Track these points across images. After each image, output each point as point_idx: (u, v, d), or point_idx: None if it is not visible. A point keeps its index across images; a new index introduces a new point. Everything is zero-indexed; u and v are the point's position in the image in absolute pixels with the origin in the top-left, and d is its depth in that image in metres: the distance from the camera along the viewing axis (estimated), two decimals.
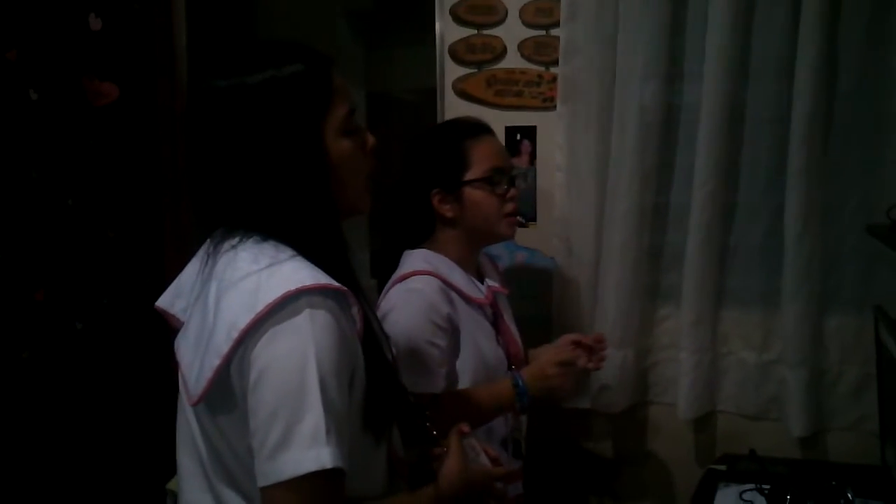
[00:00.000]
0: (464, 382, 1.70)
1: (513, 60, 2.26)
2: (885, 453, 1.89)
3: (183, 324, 1.23)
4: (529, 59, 2.25)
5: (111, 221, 2.51)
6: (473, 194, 1.76)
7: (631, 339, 2.19)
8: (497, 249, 2.25)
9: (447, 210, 1.76)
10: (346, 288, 1.11)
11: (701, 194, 2.07)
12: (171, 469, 1.39)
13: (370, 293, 1.56)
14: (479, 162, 1.76)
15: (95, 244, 2.49)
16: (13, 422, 2.34)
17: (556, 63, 2.22)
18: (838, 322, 2.08)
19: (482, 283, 1.82)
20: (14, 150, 2.35)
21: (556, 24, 2.20)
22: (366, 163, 1.24)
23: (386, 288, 1.73)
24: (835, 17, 1.95)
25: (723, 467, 2.03)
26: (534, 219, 2.30)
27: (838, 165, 2.03)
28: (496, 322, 1.82)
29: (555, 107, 2.23)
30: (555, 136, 2.24)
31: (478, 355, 1.73)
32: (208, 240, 1.21)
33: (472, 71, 2.30)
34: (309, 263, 1.12)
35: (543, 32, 2.23)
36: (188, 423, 1.19)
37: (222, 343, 1.07)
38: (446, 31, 2.30)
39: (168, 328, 1.27)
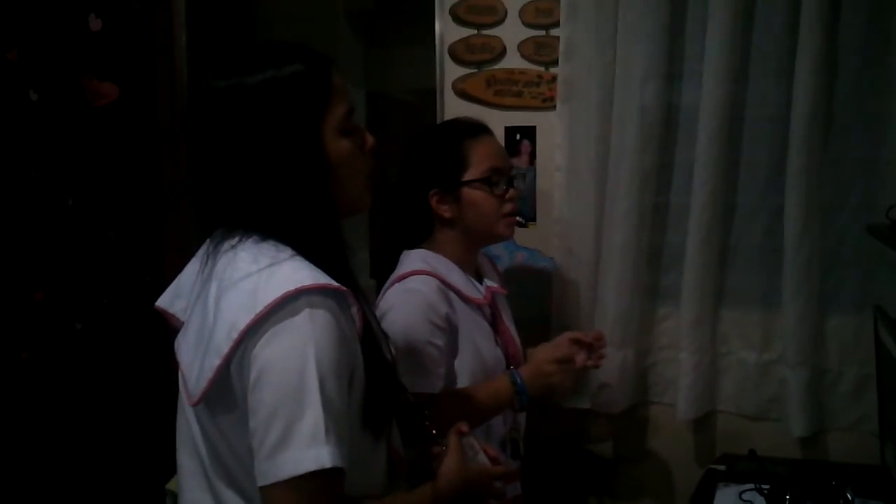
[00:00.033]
0: (462, 382, 1.70)
1: (512, 60, 2.26)
2: (885, 453, 1.89)
3: (183, 324, 1.23)
4: (529, 60, 2.25)
5: (111, 221, 2.51)
6: (472, 195, 1.76)
7: (631, 339, 2.19)
8: (496, 249, 2.25)
9: (445, 210, 1.76)
10: (345, 288, 1.11)
11: (701, 194, 2.07)
12: (170, 469, 1.39)
13: (369, 293, 1.56)
14: (478, 162, 1.76)
15: (95, 244, 2.50)
16: (13, 422, 2.34)
17: (555, 63, 2.22)
18: (838, 322, 2.08)
19: (481, 283, 1.82)
20: (14, 150, 2.35)
21: (556, 25, 2.20)
22: (365, 162, 1.24)
23: (384, 288, 1.73)
24: (834, 17, 1.95)
25: (722, 467, 2.03)
26: (533, 219, 2.30)
27: (838, 165, 2.03)
28: (495, 322, 1.82)
29: (554, 107, 2.23)
30: (554, 136, 2.24)
31: (476, 355, 1.73)
32: (208, 240, 1.21)
33: (471, 71, 2.30)
34: (308, 263, 1.12)
35: (543, 32, 2.23)
36: (188, 423, 1.19)
37: (222, 343, 1.08)
38: (446, 31, 2.30)
39: (168, 328, 1.27)
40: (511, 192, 1.80)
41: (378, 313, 1.63)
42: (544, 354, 1.75)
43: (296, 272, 1.09)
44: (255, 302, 1.07)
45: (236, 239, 1.16)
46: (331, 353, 1.07)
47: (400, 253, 1.78)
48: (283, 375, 1.05)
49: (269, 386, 1.05)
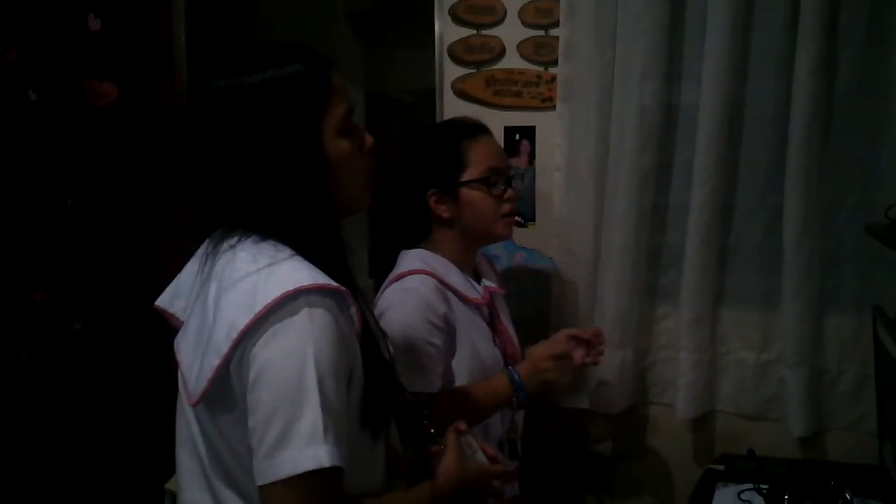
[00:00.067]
0: (460, 382, 1.70)
1: (512, 61, 2.26)
2: (883, 453, 1.89)
3: (182, 323, 1.23)
4: (528, 60, 2.25)
5: (110, 221, 2.51)
6: (470, 195, 1.76)
7: (630, 338, 2.19)
8: (496, 249, 2.26)
9: (444, 210, 1.76)
10: (344, 288, 1.12)
11: (700, 194, 2.08)
12: (169, 469, 1.40)
13: (368, 293, 1.57)
14: (476, 162, 1.76)
15: (94, 244, 2.50)
16: (12, 422, 2.34)
17: (554, 63, 2.22)
18: (837, 322, 2.08)
19: (479, 283, 1.82)
20: (13, 150, 2.35)
21: (555, 25, 2.20)
22: (364, 162, 1.25)
23: (382, 287, 1.73)
24: (834, 17, 1.95)
25: (721, 467, 2.03)
26: (532, 219, 2.31)
27: (837, 165, 2.03)
28: (493, 322, 1.82)
29: (554, 107, 2.23)
30: (554, 136, 2.24)
31: (474, 355, 1.73)
32: (207, 239, 1.21)
33: (471, 71, 2.30)
34: (307, 263, 1.12)
35: (542, 33, 2.23)
36: (187, 423, 1.20)
37: (222, 343, 1.08)
38: (445, 31, 2.30)
39: (167, 328, 1.27)
40: (509, 192, 1.80)
41: (376, 312, 1.63)
42: (541, 351, 1.75)
43: (295, 272, 1.10)
44: (254, 302, 1.07)
45: (235, 239, 1.16)
46: (329, 352, 1.07)
47: (398, 253, 1.78)
48: (282, 375, 1.05)
49: (268, 385, 1.05)
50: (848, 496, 1.70)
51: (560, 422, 2.32)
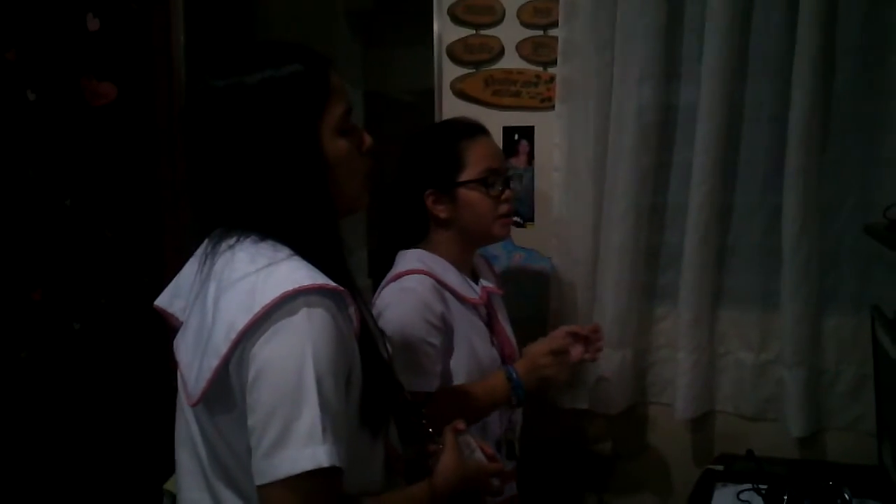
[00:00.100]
0: (458, 382, 1.71)
1: (511, 61, 2.26)
2: (882, 453, 1.89)
3: (181, 323, 1.23)
4: (527, 60, 2.25)
5: (109, 221, 2.51)
6: (468, 195, 1.76)
7: (629, 338, 2.19)
8: (495, 250, 2.26)
9: (441, 211, 1.76)
10: (342, 288, 1.12)
11: (699, 194, 2.08)
12: (168, 469, 1.40)
13: (366, 292, 1.57)
14: (474, 163, 1.76)
15: (93, 244, 2.50)
16: (11, 422, 2.34)
17: (553, 63, 2.22)
18: (836, 322, 2.08)
19: (477, 283, 1.82)
20: (12, 150, 2.35)
21: (554, 25, 2.20)
22: (363, 162, 1.25)
23: (380, 287, 1.73)
24: (832, 17, 1.95)
25: (720, 467, 2.03)
26: (531, 219, 2.31)
27: (836, 165, 2.03)
28: (490, 322, 1.82)
29: (552, 107, 2.23)
30: (552, 136, 2.24)
31: (472, 355, 1.73)
32: (206, 239, 1.21)
33: (469, 71, 2.30)
34: (306, 263, 1.12)
35: (541, 33, 2.23)
36: (187, 423, 1.20)
37: (221, 343, 1.08)
38: (444, 31, 2.30)
39: (167, 328, 1.27)
40: (507, 192, 1.80)
41: (374, 312, 1.63)
42: (538, 348, 1.75)
43: (293, 272, 1.10)
44: (252, 302, 1.07)
45: (234, 239, 1.16)
46: (328, 352, 1.07)
47: (396, 253, 1.78)
48: (281, 375, 1.05)
49: (267, 385, 1.05)
50: (847, 496, 1.70)
51: (559, 422, 2.32)
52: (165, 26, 2.54)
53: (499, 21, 2.26)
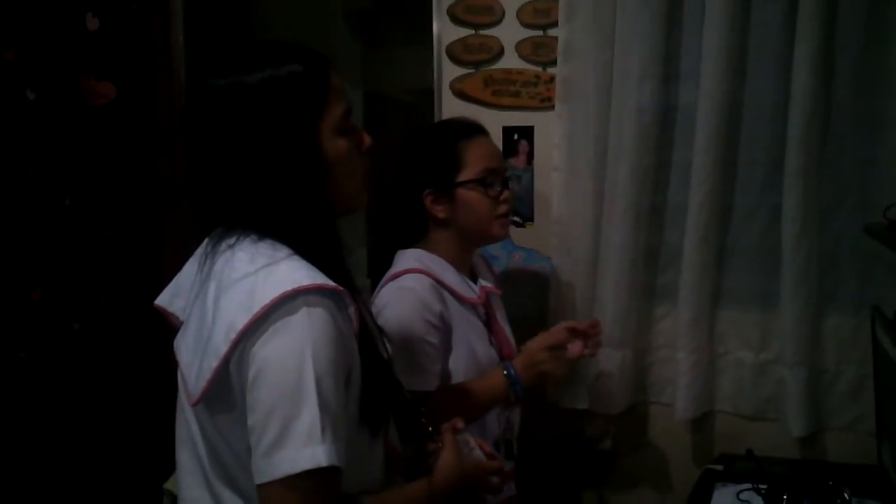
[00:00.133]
0: (456, 381, 1.70)
1: (510, 61, 2.26)
2: (882, 453, 1.89)
3: (181, 322, 1.24)
4: (527, 60, 2.25)
5: (109, 221, 2.51)
6: (466, 195, 1.76)
7: (628, 338, 2.19)
8: (494, 250, 2.26)
9: (440, 211, 1.76)
10: (342, 288, 1.12)
11: (698, 194, 2.08)
12: (168, 469, 1.39)
13: (366, 292, 1.56)
14: (473, 163, 1.76)
15: (93, 244, 2.50)
16: (10, 422, 2.34)
17: (553, 63, 2.22)
18: (836, 322, 2.08)
19: (475, 283, 1.82)
20: (11, 149, 2.35)
21: (554, 25, 2.20)
22: (362, 162, 1.25)
23: (378, 287, 1.73)
24: (831, 17, 1.96)
25: (720, 467, 2.03)
26: (531, 219, 2.31)
27: (836, 165, 2.03)
28: (489, 322, 1.82)
29: (552, 107, 2.23)
30: (552, 136, 2.24)
31: (470, 355, 1.73)
32: (206, 239, 1.22)
33: (469, 71, 2.30)
34: (305, 263, 1.12)
35: (541, 33, 2.23)
36: (187, 423, 1.20)
37: (221, 343, 1.08)
38: (443, 31, 2.30)
39: (167, 327, 1.27)
40: (505, 193, 1.80)
41: (373, 311, 1.63)
42: (535, 344, 1.74)
43: (293, 272, 1.10)
44: (252, 302, 1.07)
45: (234, 238, 1.16)
46: (328, 352, 1.07)
47: (395, 252, 1.78)
48: (280, 375, 1.05)
49: (267, 385, 1.06)
50: (846, 496, 1.71)
51: (558, 422, 2.32)
52: (165, 26, 2.54)
53: (498, 21, 2.26)
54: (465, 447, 1.33)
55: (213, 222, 1.21)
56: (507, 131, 2.28)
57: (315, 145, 1.16)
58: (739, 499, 1.83)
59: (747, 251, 2.14)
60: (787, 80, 2.00)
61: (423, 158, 1.79)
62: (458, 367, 1.71)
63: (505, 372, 1.70)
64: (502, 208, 1.79)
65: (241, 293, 1.09)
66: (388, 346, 1.31)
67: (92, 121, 2.47)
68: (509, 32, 2.25)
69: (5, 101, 2.33)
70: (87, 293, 2.49)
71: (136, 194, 2.54)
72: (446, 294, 1.72)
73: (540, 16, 2.22)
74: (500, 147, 2.20)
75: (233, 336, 1.07)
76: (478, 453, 1.35)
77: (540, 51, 2.24)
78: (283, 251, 1.13)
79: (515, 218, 2.27)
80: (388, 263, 1.77)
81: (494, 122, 2.19)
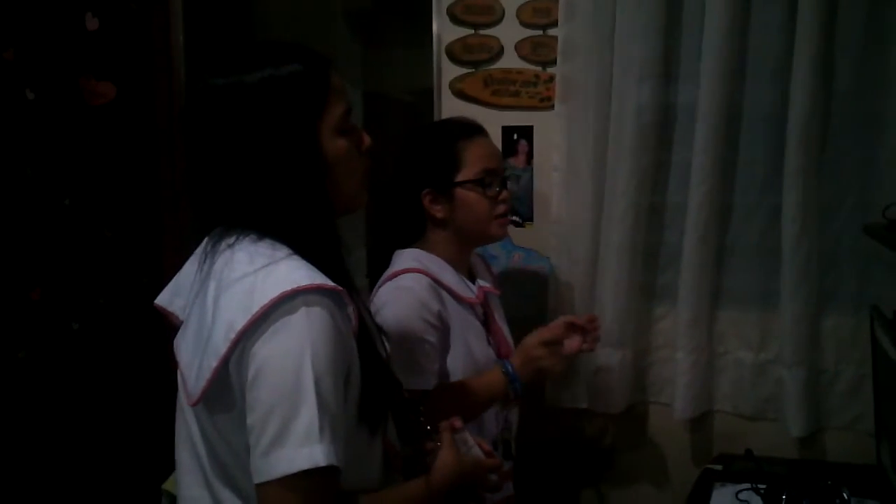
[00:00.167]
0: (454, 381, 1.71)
1: (510, 60, 2.26)
2: (881, 453, 1.89)
3: (181, 322, 1.24)
4: (526, 59, 2.25)
5: (108, 221, 2.51)
6: (465, 195, 1.76)
7: (628, 338, 2.19)
8: (494, 249, 2.26)
9: (438, 210, 1.76)
10: (341, 288, 1.12)
11: (698, 194, 2.08)
12: (166, 469, 1.40)
13: (364, 292, 1.56)
14: (472, 163, 1.76)
15: (92, 244, 2.49)
16: (9, 422, 2.34)
17: (553, 63, 2.22)
18: (835, 322, 2.08)
19: (473, 283, 1.82)
20: (11, 149, 2.35)
21: (553, 25, 2.20)
22: (361, 162, 1.25)
23: (376, 286, 1.73)
24: (831, 17, 1.96)
25: (719, 467, 2.03)
26: (530, 219, 2.31)
27: (835, 165, 2.03)
28: (487, 322, 1.82)
29: (552, 107, 2.23)
30: (552, 135, 2.24)
31: (468, 354, 1.73)
32: (206, 238, 1.22)
33: (468, 71, 2.30)
34: (305, 262, 1.12)
35: (540, 32, 2.23)
36: (187, 423, 1.20)
37: (220, 344, 1.08)
38: (443, 30, 2.30)
39: (166, 327, 1.27)
40: (504, 193, 1.80)
41: (371, 311, 1.63)
42: (532, 340, 1.73)
43: (292, 272, 1.10)
44: (251, 302, 1.07)
45: (234, 238, 1.17)
46: (327, 352, 1.07)
47: (393, 252, 1.78)
48: (280, 374, 1.05)
49: (266, 384, 1.06)
50: (845, 496, 1.71)
51: (556, 422, 2.32)
52: (165, 26, 2.54)
53: (498, 21, 2.26)
54: (463, 446, 1.34)
55: (213, 221, 1.21)
56: (507, 131, 2.28)
57: (315, 145, 1.17)
58: (738, 499, 1.83)
59: (747, 251, 2.14)
60: (786, 80, 2.00)
61: (421, 158, 1.79)
62: (456, 367, 1.71)
63: (503, 370, 1.70)
64: (501, 208, 1.79)
65: (240, 293, 1.09)
66: (386, 345, 1.32)
67: (91, 121, 2.47)
68: (509, 32, 2.25)
69: (5, 100, 2.33)
70: (87, 293, 2.49)
71: (135, 194, 2.54)
72: (444, 294, 1.72)
73: (539, 15, 2.22)
74: (500, 147, 2.20)
75: (232, 336, 1.07)
76: (476, 451, 1.36)
77: (539, 50, 2.24)
78: (283, 251, 1.13)
79: (515, 218, 2.27)
80: (386, 263, 1.77)
81: (494, 121, 2.19)
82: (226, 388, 1.10)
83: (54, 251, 2.44)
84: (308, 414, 1.04)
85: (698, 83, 2.06)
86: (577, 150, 2.20)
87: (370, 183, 1.28)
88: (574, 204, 2.22)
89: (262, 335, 1.06)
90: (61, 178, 2.44)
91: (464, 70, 2.30)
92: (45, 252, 2.42)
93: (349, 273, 1.19)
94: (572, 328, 1.78)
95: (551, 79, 2.23)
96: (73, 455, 2.44)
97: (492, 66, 2.28)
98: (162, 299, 1.29)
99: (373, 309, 1.65)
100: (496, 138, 2.15)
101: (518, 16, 2.24)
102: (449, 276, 1.75)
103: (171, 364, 1.23)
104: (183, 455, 1.22)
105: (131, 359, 2.51)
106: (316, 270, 1.11)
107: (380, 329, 1.33)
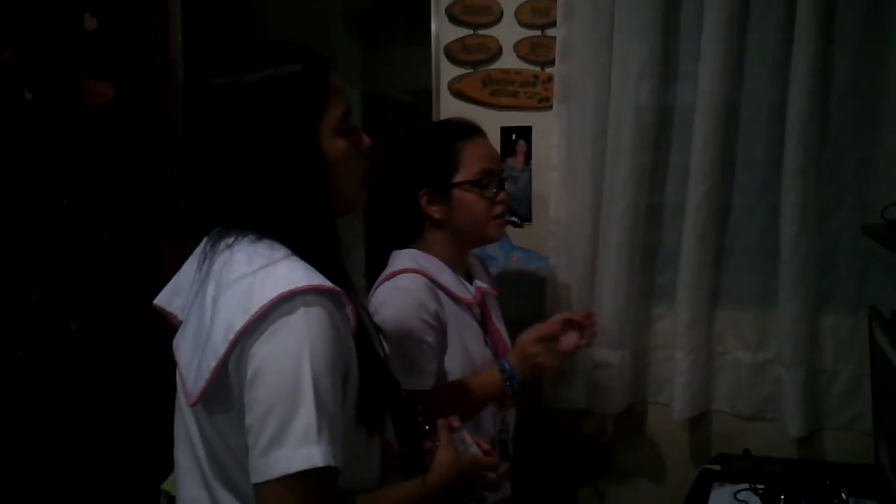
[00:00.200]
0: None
1: (508, 61, 2.26)
2: (879, 453, 1.89)
3: (181, 322, 1.24)
4: (525, 60, 2.25)
5: (106, 221, 2.51)
6: (462, 196, 1.76)
7: (626, 338, 2.19)
8: (493, 250, 2.26)
9: (435, 211, 1.76)
10: (339, 289, 1.12)
11: (696, 194, 2.08)
12: (165, 469, 1.39)
13: (362, 292, 1.56)
14: (469, 164, 1.76)
15: (90, 244, 2.49)
16: (8, 422, 2.33)
17: (551, 63, 2.22)
18: (833, 322, 2.08)
19: (471, 283, 1.82)
20: (9, 149, 2.35)
21: (552, 25, 2.20)
22: (361, 162, 1.25)
23: (374, 287, 1.73)
24: (829, 17, 1.96)
25: (717, 467, 2.03)
26: (529, 219, 2.31)
27: (834, 165, 2.03)
28: (484, 322, 1.82)
29: (550, 107, 2.23)
30: (550, 136, 2.24)
31: (465, 354, 1.73)
32: (205, 238, 1.22)
33: (467, 71, 2.30)
34: (303, 263, 1.12)
35: (539, 33, 2.23)
36: (185, 423, 1.20)
37: (219, 344, 1.08)
38: (442, 31, 2.30)
39: (165, 326, 1.27)
40: (501, 194, 1.80)
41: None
42: (527, 337, 1.73)
43: (291, 273, 1.10)
44: (250, 303, 1.07)
45: (233, 238, 1.17)
46: (326, 352, 1.07)
47: (390, 252, 1.78)
48: (278, 375, 1.05)
49: (265, 385, 1.06)
50: (844, 496, 1.71)
51: (555, 422, 2.32)
52: (163, 26, 2.53)
53: (496, 21, 2.26)
54: (461, 445, 1.34)
55: (212, 221, 1.21)
56: (506, 131, 2.28)
57: (314, 145, 1.17)
58: (737, 499, 1.83)
59: (745, 251, 2.14)
60: (785, 80, 2.00)
61: (419, 158, 1.79)
62: (454, 367, 1.71)
63: (500, 368, 1.70)
64: (498, 209, 1.79)
65: (239, 294, 1.09)
66: (384, 345, 1.32)
67: (90, 121, 2.47)
68: (507, 32, 2.25)
69: (3, 100, 2.33)
70: (85, 293, 2.49)
71: (133, 194, 2.54)
72: (441, 294, 1.72)
73: (538, 16, 2.22)
74: (499, 147, 2.20)
75: (231, 336, 1.07)
76: (475, 450, 1.36)
77: (538, 51, 2.24)
78: (281, 251, 1.13)
79: (513, 218, 2.27)
80: (384, 263, 1.77)
81: (492, 122, 2.20)
82: (225, 389, 1.10)
83: (53, 251, 2.44)
84: (306, 414, 1.04)
85: (697, 83, 2.06)
86: (576, 150, 2.20)
87: (369, 183, 1.28)
88: (573, 204, 2.22)
89: (261, 336, 1.06)
90: (60, 178, 2.43)
91: (462, 70, 2.30)
92: (44, 252, 2.42)
93: (348, 273, 1.19)
94: (569, 325, 1.78)
95: (550, 79, 2.23)
96: (72, 455, 2.43)
97: (490, 67, 2.28)
98: (161, 299, 1.29)
99: (370, 309, 1.65)
100: (495, 138, 2.15)
101: (516, 16, 2.24)
102: (446, 276, 1.75)
103: (170, 364, 1.23)
104: (182, 455, 1.23)
105: (130, 359, 2.51)
106: (314, 271, 1.11)
107: (378, 329, 1.33)
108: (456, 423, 1.35)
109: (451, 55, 2.30)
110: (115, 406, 2.49)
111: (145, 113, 2.53)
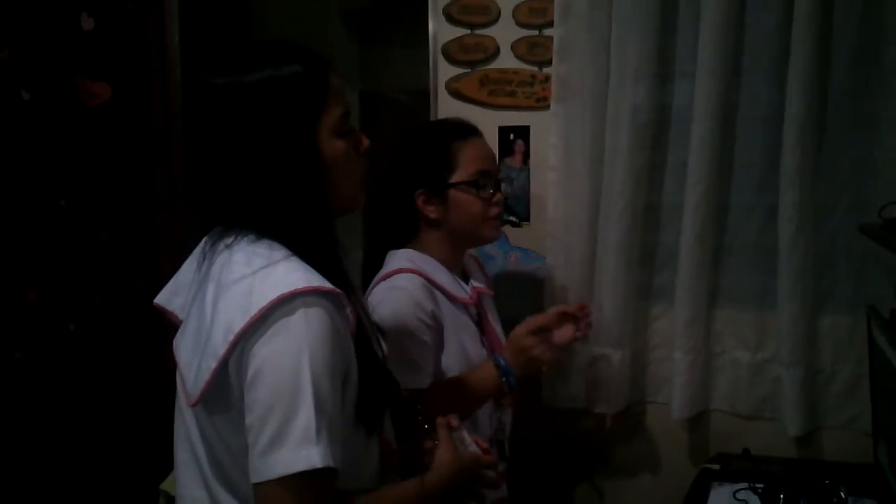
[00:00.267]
0: None
1: (506, 60, 2.26)
2: (878, 452, 1.90)
3: (181, 321, 1.24)
4: (522, 59, 2.25)
5: (104, 222, 2.51)
6: (458, 196, 1.76)
7: (625, 338, 2.19)
8: (491, 250, 2.26)
9: (431, 211, 1.76)
10: (338, 290, 1.12)
11: (694, 194, 2.08)
12: (164, 469, 1.39)
13: (359, 292, 1.56)
14: (466, 164, 1.76)
15: (88, 244, 2.49)
16: (6, 422, 2.33)
17: (549, 63, 2.22)
18: (832, 321, 2.08)
19: (467, 283, 1.82)
20: (6, 150, 2.34)
21: (550, 25, 2.20)
22: (360, 163, 1.25)
23: (370, 287, 1.73)
24: (827, 17, 1.96)
25: (716, 466, 2.03)
26: (527, 219, 2.30)
27: (832, 165, 2.03)
28: (480, 322, 1.82)
29: (548, 107, 2.23)
30: (548, 135, 2.24)
31: (462, 355, 1.73)
32: (205, 238, 1.22)
33: (465, 71, 2.30)
34: (303, 264, 1.12)
35: (536, 32, 2.23)
36: (185, 423, 1.21)
37: (219, 345, 1.09)
38: (439, 30, 2.30)
39: (164, 327, 1.27)
40: (498, 195, 1.80)
41: None
42: (519, 330, 1.73)
43: (290, 274, 1.10)
44: (249, 304, 1.07)
45: (232, 238, 1.17)
46: (325, 353, 1.07)
47: (386, 252, 1.78)
48: (278, 375, 1.06)
49: (265, 385, 1.06)
50: (843, 495, 1.71)
51: (553, 422, 2.32)
52: (160, 26, 2.53)
53: (494, 21, 2.26)
54: (460, 444, 1.34)
55: (212, 221, 1.22)
56: (503, 131, 2.28)
57: (313, 146, 1.17)
58: (736, 498, 1.83)
59: (743, 251, 2.14)
60: (782, 80, 2.00)
61: (415, 158, 1.79)
62: (451, 366, 1.71)
63: (495, 363, 1.70)
64: (494, 210, 1.79)
65: (238, 295, 1.10)
66: (383, 345, 1.32)
67: (87, 121, 2.46)
68: (505, 32, 2.25)
69: (0, 101, 2.32)
70: (83, 294, 2.48)
71: (131, 195, 2.53)
72: (438, 293, 1.72)
73: (535, 15, 2.22)
74: (496, 147, 2.20)
75: (231, 337, 1.07)
76: (474, 449, 1.36)
77: (535, 50, 2.24)
78: (281, 252, 1.13)
79: (511, 218, 2.27)
80: (380, 263, 1.77)
81: (490, 121, 2.19)
82: (225, 389, 1.10)
83: (51, 252, 2.43)
84: (306, 415, 1.04)
85: (694, 83, 2.06)
86: (574, 150, 2.20)
87: (367, 184, 1.28)
88: (571, 204, 2.22)
89: (261, 337, 1.06)
90: (57, 178, 2.43)
91: (460, 70, 2.30)
92: (42, 253, 2.42)
93: (347, 274, 1.19)
94: (564, 318, 1.77)
95: (547, 79, 2.23)
96: (72, 455, 2.43)
97: (488, 66, 2.28)
98: (161, 298, 1.29)
99: (368, 308, 1.65)
100: (492, 138, 2.15)
101: (514, 16, 2.24)
102: (442, 276, 1.75)
103: (170, 364, 1.23)
104: (181, 455, 1.23)
105: (128, 359, 2.51)
106: (313, 272, 1.11)
107: (377, 330, 1.33)
108: (455, 422, 1.35)
109: (449, 55, 2.29)
110: (115, 406, 2.49)
111: (142, 113, 2.53)
